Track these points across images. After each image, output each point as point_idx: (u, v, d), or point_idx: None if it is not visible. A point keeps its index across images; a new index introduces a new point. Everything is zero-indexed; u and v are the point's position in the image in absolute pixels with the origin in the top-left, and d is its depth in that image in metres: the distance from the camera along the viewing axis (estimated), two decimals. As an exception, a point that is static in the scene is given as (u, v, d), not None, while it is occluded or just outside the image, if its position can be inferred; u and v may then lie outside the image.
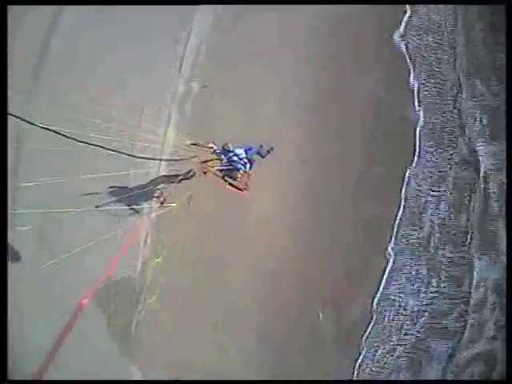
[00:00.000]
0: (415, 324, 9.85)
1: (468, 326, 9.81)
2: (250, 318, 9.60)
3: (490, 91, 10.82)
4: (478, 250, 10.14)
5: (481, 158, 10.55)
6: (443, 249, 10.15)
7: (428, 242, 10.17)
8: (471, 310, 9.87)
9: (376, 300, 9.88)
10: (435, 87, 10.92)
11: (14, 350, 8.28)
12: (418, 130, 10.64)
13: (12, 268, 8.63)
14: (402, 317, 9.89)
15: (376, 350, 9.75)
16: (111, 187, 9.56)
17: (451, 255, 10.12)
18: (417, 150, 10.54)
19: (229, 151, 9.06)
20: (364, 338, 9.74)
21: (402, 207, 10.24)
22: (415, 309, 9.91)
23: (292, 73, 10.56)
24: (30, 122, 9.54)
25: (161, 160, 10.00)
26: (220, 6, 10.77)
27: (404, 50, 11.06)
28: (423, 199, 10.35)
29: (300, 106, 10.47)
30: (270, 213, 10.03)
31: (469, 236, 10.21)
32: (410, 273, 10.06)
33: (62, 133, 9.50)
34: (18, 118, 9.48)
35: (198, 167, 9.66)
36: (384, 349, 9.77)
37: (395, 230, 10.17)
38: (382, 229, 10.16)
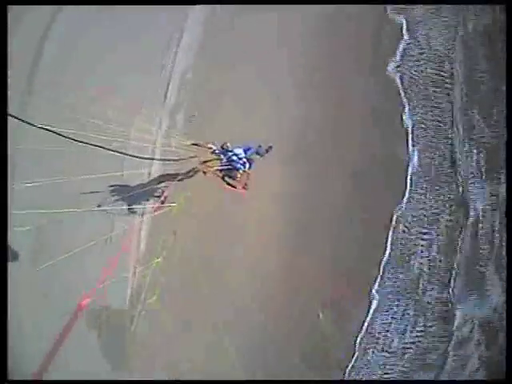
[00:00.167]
0: (399, 360, 9.79)
1: (451, 361, 9.78)
2: (250, 318, 9.59)
3: (489, 126, 10.52)
4: (466, 290, 10.02)
5: (475, 199, 10.33)
6: (431, 289, 10.02)
7: (417, 284, 10.03)
8: (456, 347, 9.81)
9: (359, 337, 9.81)
10: (431, 126, 10.56)
11: (13, 350, 8.30)
12: (409, 171, 10.35)
13: (11, 268, 8.62)
14: (387, 354, 9.82)
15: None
16: (112, 186, 9.58)
17: (439, 295, 9.99)
18: (407, 192, 10.28)
19: (228, 151, 9.07)
20: (347, 370, 9.68)
21: (388, 250, 10.06)
22: (400, 346, 9.83)
23: (290, 73, 10.54)
24: (28, 123, 9.52)
25: (160, 160, 9.99)
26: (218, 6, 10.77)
27: (399, 82, 10.73)
28: (412, 242, 10.14)
29: (297, 106, 10.45)
30: (270, 213, 10.02)
31: (457, 277, 10.06)
32: (396, 312, 9.96)
33: (58, 132, 9.47)
34: (17, 118, 9.46)
35: (198, 167, 9.66)
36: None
37: (381, 272, 10.00)
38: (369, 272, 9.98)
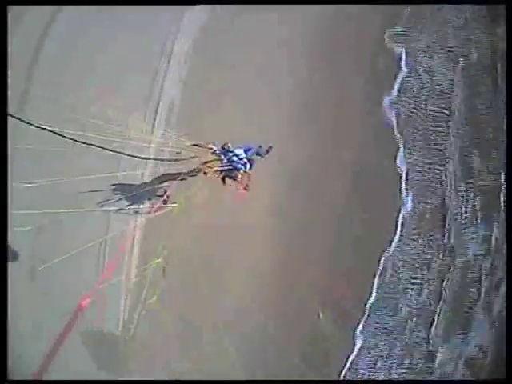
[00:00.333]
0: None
1: None
2: (250, 318, 9.60)
3: (489, 168, 10.33)
4: (452, 330, 10.02)
5: (467, 245, 10.24)
6: (419, 331, 10.02)
7: (404, 327, 10.02)
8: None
9: (343, 372, 9.81)
10: (428, 170, 10.32)
11: (13, 350, 8.29)
12: (401, 214, 10.18)
13: (11, 268, 8.61)
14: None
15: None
16: (113, 185, 9.57)
17: (426, 336, 9.99)
18: (397, 236, 10.15)
19: (228, 151, 9.07)
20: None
21: (374, 293, 9.99)
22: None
23: (290, 73, 10.53)
24: (28, 123, 9.50)
25: (161, 160, 9.98)
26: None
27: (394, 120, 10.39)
28: (401, 286, 10.08)
29: (297, 106, 10.46)
30: (270, 213, 10.02)
31: (443, 318, 10.05)
32: (382, 351, 9.97)
33: (58, 132, 9.45)
34: (17, 118, 9.45)
35: (198, 167, 9.66)
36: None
37: (366, 313, 9.94)
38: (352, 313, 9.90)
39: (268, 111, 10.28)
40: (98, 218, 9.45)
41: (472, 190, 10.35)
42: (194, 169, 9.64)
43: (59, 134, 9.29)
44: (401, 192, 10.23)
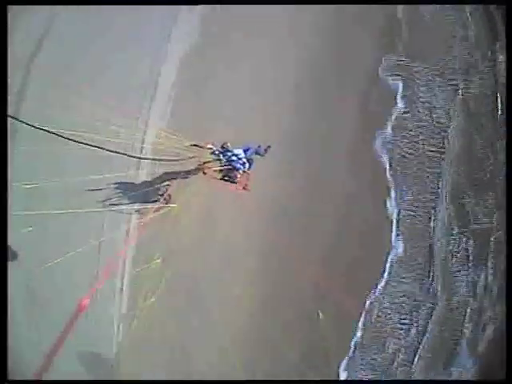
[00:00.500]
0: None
1: None
2: (250, 318, 9.59)
3: (483, 211, 10.26)
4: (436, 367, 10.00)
5: (458, 288, 10.20)
6: (406, 366, 9.99)
7: (391, 362, 10.00)
8: None
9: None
10: (420, 214, 10.24)
11: (14, 350, 8.29)
12: (390, 259, 10.16)
13: (11, 268, 8.62)
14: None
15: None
16: (114, 185, 9.57)
17: (413, 370, 9.96)
18: (384, 279, 10.13)
19: (227, 151, 9.08)
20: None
21: (360, 332, 9.99)
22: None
23: (290, 73, 10.53)
24: (27, 123, 9.51)
25: (160, 160, 9.98)
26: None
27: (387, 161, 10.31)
28: (390, 326, 10.07)
29: (298, 106, 10.45)
30: (270, 212, 10.02)
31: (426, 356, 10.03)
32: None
33: (57, 132, 9.47)
34: (15, 119, 9.47)
35: (198, 167, 9.66)
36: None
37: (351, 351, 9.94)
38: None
39: (268, 111, 10.28)
40: (97, 218, 9.45)
41: (464, 234, 10.31)
42: (194, 169, 9.65)
43: (59, 135, 9.31)
44: (391, 235, 10.24)
